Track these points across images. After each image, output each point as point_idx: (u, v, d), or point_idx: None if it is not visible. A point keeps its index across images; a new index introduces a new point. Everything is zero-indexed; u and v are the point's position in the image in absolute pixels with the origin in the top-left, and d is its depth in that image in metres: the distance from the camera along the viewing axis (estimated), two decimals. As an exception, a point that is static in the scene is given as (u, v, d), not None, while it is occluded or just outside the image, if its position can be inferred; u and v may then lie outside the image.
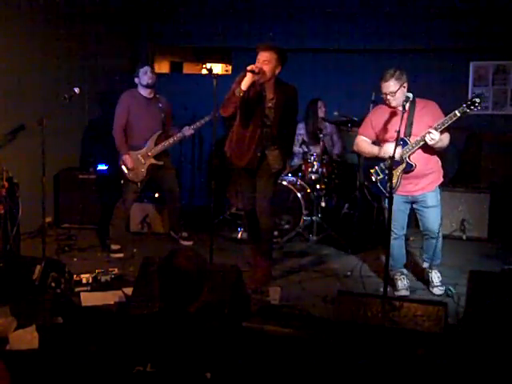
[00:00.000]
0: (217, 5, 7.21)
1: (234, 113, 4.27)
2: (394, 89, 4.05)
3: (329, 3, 6.88)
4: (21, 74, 5.60)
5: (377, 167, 4.27)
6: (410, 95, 3.85)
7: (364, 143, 4.34)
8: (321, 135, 5.93)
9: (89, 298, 4.07)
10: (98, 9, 6.73)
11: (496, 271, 4.67)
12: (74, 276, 4.32)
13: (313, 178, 5.93)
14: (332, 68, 6.99)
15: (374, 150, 4.25)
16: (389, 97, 4.08)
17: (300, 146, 6.25)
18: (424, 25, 6.59)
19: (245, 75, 4.07)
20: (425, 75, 6.29)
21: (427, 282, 4.52)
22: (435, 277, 4.46)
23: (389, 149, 3.99)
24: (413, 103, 4.08)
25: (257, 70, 4.04)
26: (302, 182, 5.89)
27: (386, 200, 4.14)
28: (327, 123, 6.32)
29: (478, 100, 3.84)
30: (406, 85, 4.10)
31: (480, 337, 3.26)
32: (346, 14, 6.85)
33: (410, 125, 4.09)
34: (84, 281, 4.35)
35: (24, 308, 3.57)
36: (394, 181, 4.15)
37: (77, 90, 4.55)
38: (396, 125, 3.89)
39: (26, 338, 3.30)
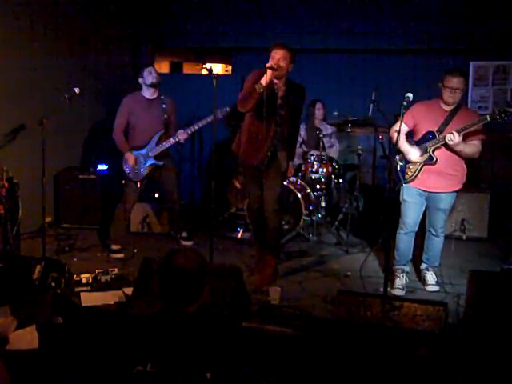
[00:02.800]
0: (217, 5, 7.22)
1: (252, 108, 4.31)
2: (460, 86, 4.15)
3: (329, 3, 6.89)
4: (21, 74, 5.61)
5: (401, 154, 4.39)
6: (410, 95, 3.86)
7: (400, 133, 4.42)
8: (320, 135, 5.94)
9: (89, 298, 4.07)
10: (99, 9, 6.74)
11: (496, 271, 4.68)
12: (74, 276, 4.33)
13: (313, 177, 5.94)
14: (332, 68, 7.00)
15: (402, 145, 4.31)
16: (453, 92, 4.13)
17: (300, 146, 6.26)
18: (424, 25, 6.60)
19: (259, 74, 4.20)
20: (425, 75, 6.30)
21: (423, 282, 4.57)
22: (431, 278, 4.50)
23: (413, 154, 4.25)
24: (457, 107, 4.22)
25: (275, 67, 4.16)
26: (302, 182, 5.89)
27: (404, 192, 4.35)
28: (327, 125, 6.33)
29: (510, 109, 3.93)
30: (464, 89, 4.22)
31: (480, 337, 3.26)
32: (345, 14, 6.86)
33: (446, 124, 4.20)
34: (84, 281, 4.35)
35: (24, 308, 3.57)
36: (413, 170, 4.29)
37: (77, 90, 4.55)
38: (435, 121, 4.18)
39: (26, 338, 3.30)
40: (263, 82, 4.12)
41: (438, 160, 4.20)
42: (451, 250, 4.66)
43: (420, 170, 4.27)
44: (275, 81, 4.31)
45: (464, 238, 5.86)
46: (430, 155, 4.21)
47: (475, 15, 6.41)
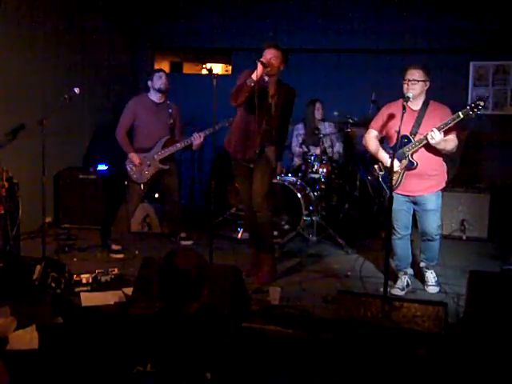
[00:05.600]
0: (217, 5, 7.22)
1: (243, 102, 4.32)
2: (418, 78, 4.08)
3: (329, 3, 6.89)
4: (21, 74, 5.61)
5: (380, 163, 4.33)
6: (410, 95, 3.86)
7: (371, 141, 4.36)
8: (320, 135, 5.94)
9: (89, 298, 4.06)
10: (99, 9, 6.74)
11: (496, 271, 4.67)
12: (74, 276, 4.32)
13: (313, 177, 5.94)
14: (332, 68, 7.00)
15: (377, 152, 4.30)
16: (410, 84, 4.08)
17: (300, 146, 6.26)
18: (424, 25, 6.60)
19: (250, 72, 4.21)
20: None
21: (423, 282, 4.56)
22: (430, 277, 4.49)
23: (386, 159, 4.18)
24: (426, 104, 4.17)
25: (266, 63, 4.19)
26: (302, 182, 5.89)
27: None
28: (326, 124, 6.33)
29: (481, 103, 3.89)
30: (428, 84, 4.15)
31: (480, 337, 3.26)
32: (345, 13, 6.86)
33: (418, 124, 4.14)
34: (84, 281, 4.34)
35: (24, 308, 3.57)
36: (396, 178, 4.21)
37: (77, 90, 4.55)
38: (406, 123, 3.99)
39: (26, 338, 3.30)
40: (254, 76, 4.16)
41: (418, 163, 4.14)
42: (451, 250, 4.66)
43: (402, 176, 4.21)
44: (266, 79, 4.34)
45: (464, 238, 5.87)
46: (410, 160, 4.15)
47: (475, 15, 6.40)
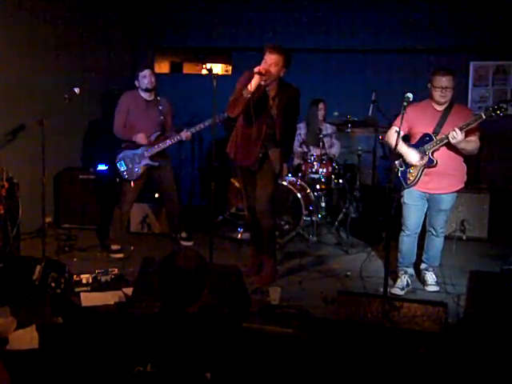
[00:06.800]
0: (217, 5, 7.22)
1: (241, 113, 4.29)
2: (450, 84, 4.14)
3: (329, 3, 6.89)
4: (21, 74, 5.61)
5: (401, 159, 4.35)
6: (410, 96, 3.86)
7: (393, 137, 4.31)
8: (321, 135, 5.94)
9: (89, 298, 4.07)
10: (99, 9, 6.74)
11: (496, 271, 4.68)
12: (74, 276, 4.32)
13: (313, 178, 5.94)
14: (332, 68, 7.00)
15: (401, 148, 4.28)
16: (444, 91, 4.14)
17: (300, 146, 6.25)
18: (424, 25, 6.61)
19: (249, 75, 4.14)
20: (425, 75, 6.29)
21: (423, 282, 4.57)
22: (430, 278, 4.51)
23: (412, 156, 4.22)
24: (450, 106, 4.22)
25: (264, 72, 4.08)
26: (302, 182, 5.88)
27: (405, 195, 4.33)
28: (327, 124, 6.33)
29: (504, 105, 3.95)
30: (454, 86, 4.21)
31: (480, 337, 3.26)
32: (345, 13, 6.86)
33: (440, 124, 4.20)
34: (84, 281, 4.34)
35: (24, 308, 3.57)
36: (415, 174, 4.28)
37: (77, 90, 4.56)
38: (429, 123, 4.17)
39: (26, 338, 3.30)
40: (250, 87, 4.07)
41: (438, 161, 4.19)
42: (451, 250, 4.67)
43: (421, 173, 4.26)
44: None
45: (464, 238, 5.86)
46: (430, 158, 4.20)
47: (475, 15, 6.41)
